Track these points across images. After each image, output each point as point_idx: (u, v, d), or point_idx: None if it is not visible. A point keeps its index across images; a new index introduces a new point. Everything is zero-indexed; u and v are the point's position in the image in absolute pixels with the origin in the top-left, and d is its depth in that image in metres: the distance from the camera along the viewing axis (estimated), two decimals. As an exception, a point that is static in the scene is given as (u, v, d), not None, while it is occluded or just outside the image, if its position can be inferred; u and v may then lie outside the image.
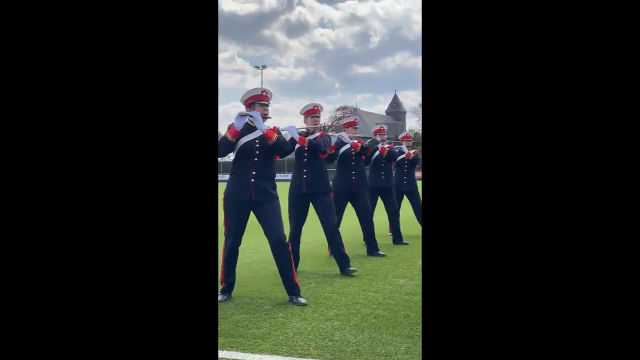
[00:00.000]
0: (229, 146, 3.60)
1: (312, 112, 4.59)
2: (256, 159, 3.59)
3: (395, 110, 75.94)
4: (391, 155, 6.27)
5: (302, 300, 3.54)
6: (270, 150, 3.63)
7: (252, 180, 3.56)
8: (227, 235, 3.65)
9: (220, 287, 3.65)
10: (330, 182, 4.78)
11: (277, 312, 3.30)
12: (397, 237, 6.35)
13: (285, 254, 3.58)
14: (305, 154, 4.56)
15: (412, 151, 7.00)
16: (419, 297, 3.65)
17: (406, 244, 6.26)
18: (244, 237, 3.71)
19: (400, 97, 79.66)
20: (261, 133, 3.57)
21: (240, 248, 3.74)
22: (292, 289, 3.58)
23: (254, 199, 3.56)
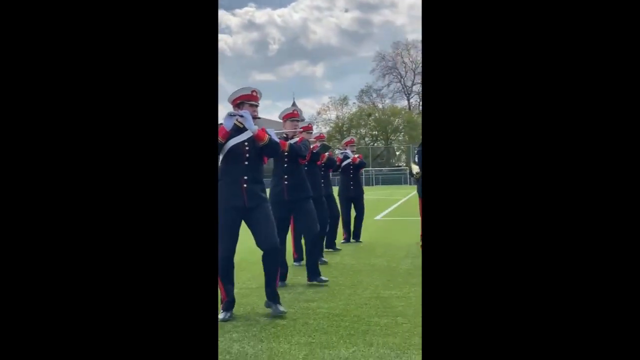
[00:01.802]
0: (217, 147, 3.36)
1: (291, 116, 4.46)
2: (247, 162, 3.40)
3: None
4: (329, 163, 6.19)
5: (281, 308, 3.45)
6: (261, 152, 3.45)
7: (245, 185, 3.37)
8: (220, 245, 3.33)
9: (220, 303, 3.43)
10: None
11: (172, 328, 3.20)
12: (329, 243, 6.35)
13: (276, 261, 3.48)
14: (286, 159, 4.40)
15: (356, 156, 6.91)
16: (316, 304, 3.72)
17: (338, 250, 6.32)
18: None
19: (299, 105, 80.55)
20: (251, 134, 3.38)
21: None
22: (273, 297, 3.49)
23: (248, 205, 3.37)
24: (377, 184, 43.09)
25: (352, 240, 7.05)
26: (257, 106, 3.51)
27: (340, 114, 54.15)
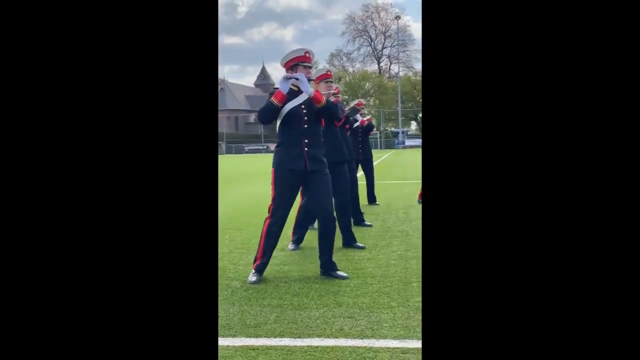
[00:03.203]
0: (276, 112, 3.30)
1: (325, 77, 4.31)
2: (306, 126, 3.35)
3: (264, 82, 75.56)
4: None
5: (342, 273, 3.43)
6: (319, 114, 3.40)
7: (306, 149, 3.32)
8: (275, 208, 3.38)
9: (253, 264, 3.43)
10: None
11: (143, 294, 3.20)
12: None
13: (332, 230, 3.45)
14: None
15: (365, 118, 6.81)
16: (288, 267, 3.76)
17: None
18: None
19: (269, 69, 79.12)
20: (307, 96, 3.31)
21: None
22: (329, 266, 3.44)
23: (309, 168, 3.33)
24: (348, 148, 42.97)
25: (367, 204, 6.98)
26: (310, 67, 3.46)
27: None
